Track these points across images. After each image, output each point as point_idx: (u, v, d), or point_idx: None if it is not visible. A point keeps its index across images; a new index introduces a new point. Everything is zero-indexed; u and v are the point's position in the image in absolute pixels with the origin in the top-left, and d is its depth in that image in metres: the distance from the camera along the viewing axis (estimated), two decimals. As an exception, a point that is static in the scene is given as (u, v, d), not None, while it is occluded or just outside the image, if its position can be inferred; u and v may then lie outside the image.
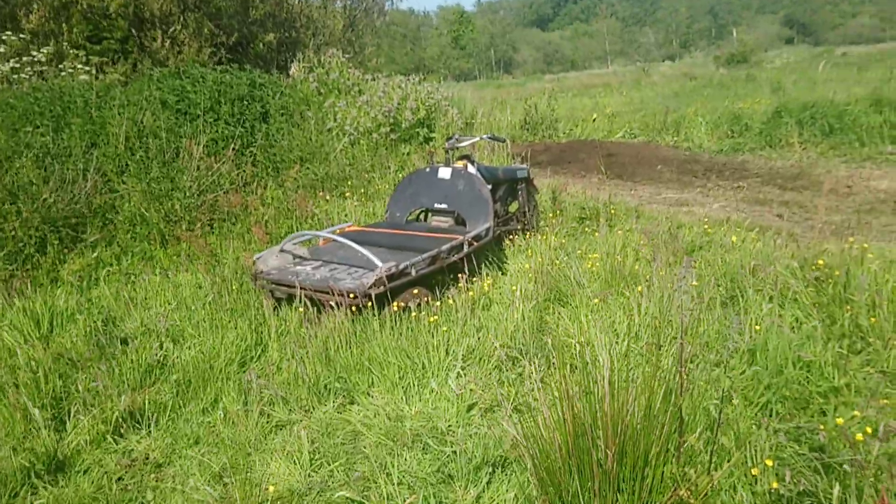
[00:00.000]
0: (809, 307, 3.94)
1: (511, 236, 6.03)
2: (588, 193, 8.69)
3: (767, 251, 4.82)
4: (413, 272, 4.44)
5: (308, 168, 8.23)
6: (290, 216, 7.14)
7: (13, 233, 6.20)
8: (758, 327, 3.56)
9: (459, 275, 4.56)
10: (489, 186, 5.86)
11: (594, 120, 15.13)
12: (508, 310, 4.22)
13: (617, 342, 3.75)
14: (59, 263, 6.30)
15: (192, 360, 4.06)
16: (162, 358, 4.12)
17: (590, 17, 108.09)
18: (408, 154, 9.29)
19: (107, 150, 7.34)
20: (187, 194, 7.08)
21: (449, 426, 3.34)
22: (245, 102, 8.61)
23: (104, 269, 6.22)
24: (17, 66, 8.61)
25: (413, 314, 4.15)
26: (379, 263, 4.30)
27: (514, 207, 6.50)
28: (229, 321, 4.51)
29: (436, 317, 4.16)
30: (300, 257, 4.97)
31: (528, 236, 5.98)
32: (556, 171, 11.94)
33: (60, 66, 8.78)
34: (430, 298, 4.50)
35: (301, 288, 4.41)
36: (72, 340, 4.45)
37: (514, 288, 4.46)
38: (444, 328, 4.03)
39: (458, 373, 3.70)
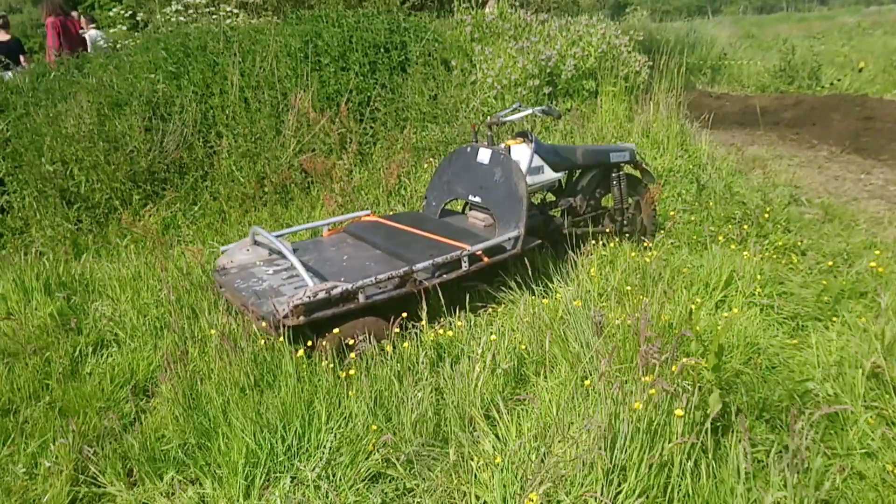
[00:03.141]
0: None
1: (595, 240, 4.47)
2: (793, 175, 6.53)
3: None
4: (361, 298, 3.29)
5: (430, 127, 7.18)
6: (378, 186, 6.23)
7: (98, 184, 6.13)
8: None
9: (417, 308, 3.30)
10: (559, 175, 4.36)
11: (860, 70, 11.80)
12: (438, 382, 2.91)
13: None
14: (136, 220, 6.13)
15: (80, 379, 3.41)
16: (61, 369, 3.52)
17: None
18: (567, 111, 7.76)
19: (220, 101, 7.00)
20: (279, 153, 6.50)
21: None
22: (382, 50, 7.73)
23: (171, 232, 5.92)
24: (180, 8, 8.66)
25: (325, 362, 3.04)
26: (309, 282, 3.23)
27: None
28: (167, 328, 3.77)
29: (353, 370, 3.00)
30: (279, 254, 4.05)
31: (616, 242, 4.37)
32: (785, 135, 9.50)
33: (215, 8, 8.66)
34: (388, 334, 3.32)
35: (231, 299, 3.54)
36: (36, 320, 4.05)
37: (487, 342, 3.09)
38: (352, 392, 2.87)
39: (318, 475, 2.56)
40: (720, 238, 4.63)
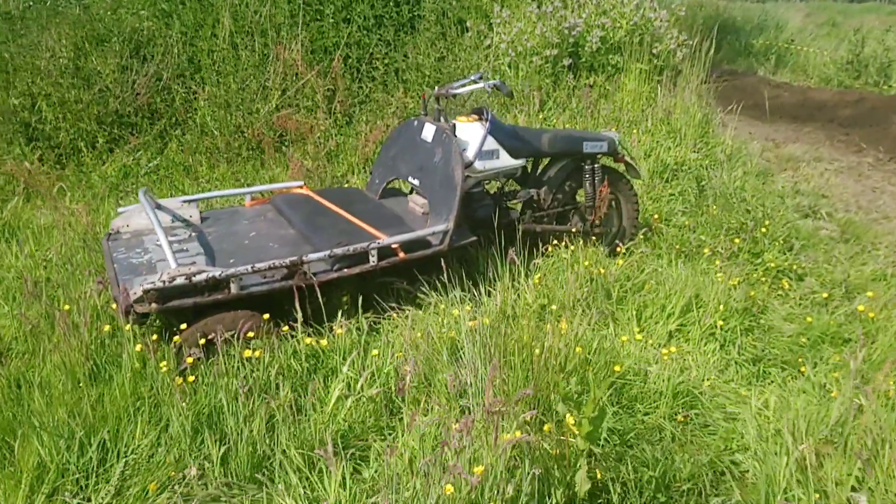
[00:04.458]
0: None
1: (559, 240, 3.89)
2: (826, 181, 5.78)
3: None
4: (233, 288, 2.80)
5: (429, 92, 6.58)
6: (355, 152, 5.71)
7: (64, 123, 5.77)
8: None
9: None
10: (518, 162, 3.76)
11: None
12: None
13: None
14: (100, 164, 5.77)
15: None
16: None
17: None
18: (590, 85, 7.04)
19: (209, 45, 6.54)
20: (259, 106, 6.03)
21: None
22: (392, 3, 7.13)
23: (129, 182, 5.53)
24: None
25: (163, 363, 2.57)
26: (172, 263, 2.76)
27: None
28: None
29: (192, 377, 2.53)
30: (183, 220, 3.59)
31: (580, 245, 3.77)
32: (834, 135, 8.58)
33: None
34: (264, 331, 2.84)
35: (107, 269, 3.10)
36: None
37: (359, 358, 2.58)
38: (187, 403, 2.41)
39: None
40: (706, 251, 3.97)
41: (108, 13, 6.76)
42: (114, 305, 2.80)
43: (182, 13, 6.74)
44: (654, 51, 7.40)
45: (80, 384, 2.62)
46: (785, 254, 3.96)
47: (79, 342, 2.70)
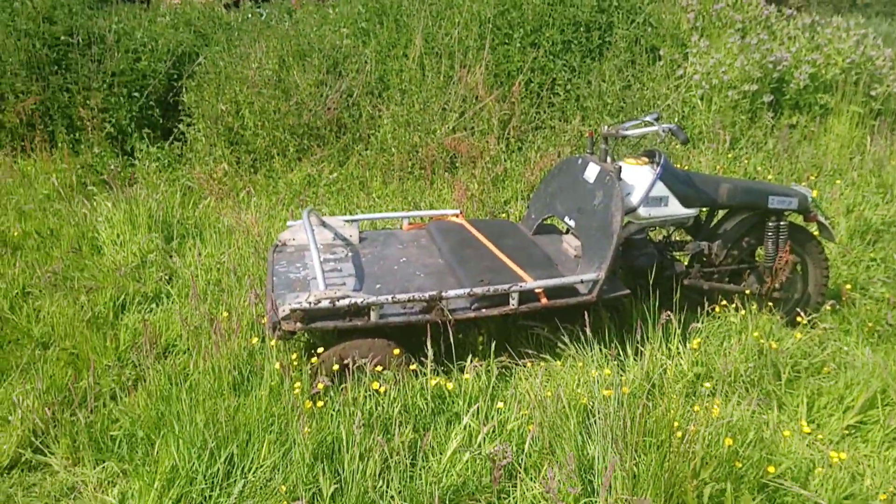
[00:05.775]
0: None
1: (729, 301, 3.54)
2: None
3: None
4: (373, 315, 2.82)
5: (608, 121, 6.36)
6: (520, 180, 5.63)
7: (262, 131, 6.22)
8: None
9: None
10: (689, 211, 3.47)
11: None
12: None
13: None
14: (288, 171, 6.15)
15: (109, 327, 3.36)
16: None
17: None
18: (792, 126, 6.47)
19: (399, 65, 6.78)
20: (436, 127, 6.14)
21: None
22: (582, 29, 6.98)
23: (310, 191, 5.84)
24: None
25: (296, 384, 2.64)
26: (321, 284, 2.83)
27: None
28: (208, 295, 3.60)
29: (321, 402, 2.57)
30: (343, 239, 3.69)
31: (754, 309, 3.41)
32: None
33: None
34: (396, 363, 2.84)
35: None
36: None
37: (483, 409, 2.47)
38: (307, 429, 2.45)
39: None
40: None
41: (314, 29, 7.21)
42: (265, 319, 2.92)
43: (379, 32, 7.03)
44: (872, 92, 6.65)
45: (224, 392, 2.76)
46: None
47: (228, 351, 2.84)
